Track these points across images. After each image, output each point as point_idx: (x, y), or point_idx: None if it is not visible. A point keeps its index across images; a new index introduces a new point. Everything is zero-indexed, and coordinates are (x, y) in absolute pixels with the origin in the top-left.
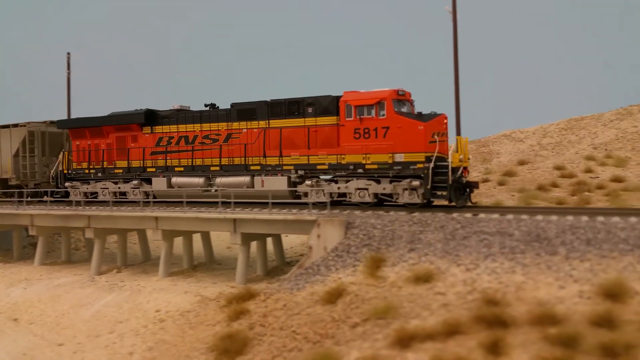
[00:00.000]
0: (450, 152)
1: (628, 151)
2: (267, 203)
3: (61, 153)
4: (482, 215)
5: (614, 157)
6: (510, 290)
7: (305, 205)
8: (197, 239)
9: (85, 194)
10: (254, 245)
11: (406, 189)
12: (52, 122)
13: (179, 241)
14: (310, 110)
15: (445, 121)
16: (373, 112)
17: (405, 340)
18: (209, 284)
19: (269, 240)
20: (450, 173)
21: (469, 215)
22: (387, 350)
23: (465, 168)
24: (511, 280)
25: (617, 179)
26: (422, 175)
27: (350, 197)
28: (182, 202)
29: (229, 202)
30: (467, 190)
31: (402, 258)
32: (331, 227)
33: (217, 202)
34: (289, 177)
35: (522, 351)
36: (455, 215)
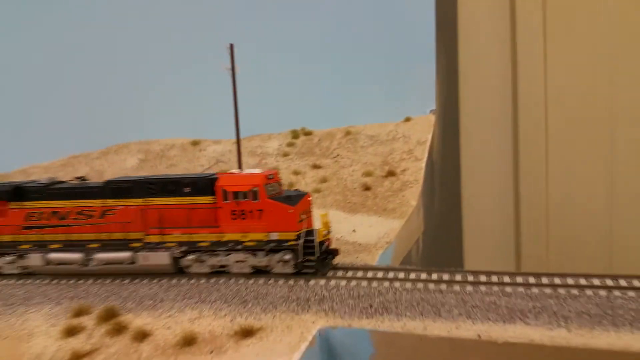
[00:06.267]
0: (315, 229)
1: None
2: None
3: None
4: None
5: None
6: None
7: None
8: None
9: None
10: None
11: (279, 262)
12: None
13: None
14: (187, 190)
15: (309, 199)
16: (248, 196)
17: None
18: None
19: None
20: (317, 249)
21: None
22: None
23: (328, 239)
24: None
25: None
26: (293, 249)
27: (230, 269)
28: None
29: None
30: (330, 256)
31: None
32: None
33: None
34: (172, 252)
35: None
36: None
